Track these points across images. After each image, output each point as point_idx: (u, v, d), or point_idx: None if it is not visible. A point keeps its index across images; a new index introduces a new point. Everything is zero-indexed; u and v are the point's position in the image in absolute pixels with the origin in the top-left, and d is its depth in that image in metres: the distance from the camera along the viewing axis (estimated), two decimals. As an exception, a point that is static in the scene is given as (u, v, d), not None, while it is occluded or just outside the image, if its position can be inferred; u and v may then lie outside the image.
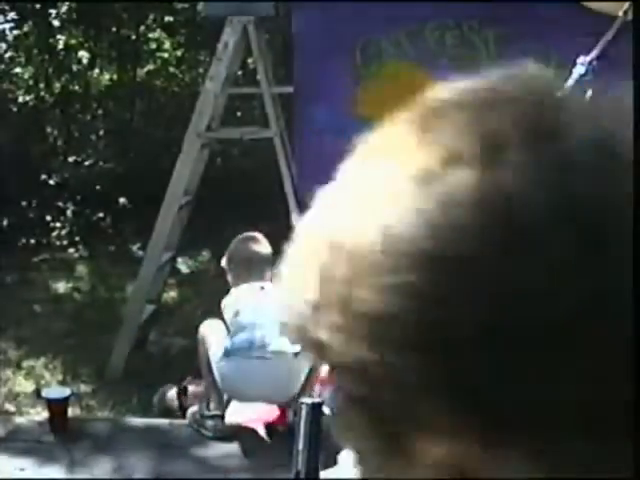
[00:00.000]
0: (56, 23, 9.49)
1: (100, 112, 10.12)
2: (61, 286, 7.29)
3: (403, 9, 5.05)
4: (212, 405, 4.13)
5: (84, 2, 9.37)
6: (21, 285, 7.25)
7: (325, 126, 5.28)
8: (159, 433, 4.15)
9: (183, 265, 7.91)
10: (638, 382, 0.53)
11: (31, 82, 9.88)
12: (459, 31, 5.12)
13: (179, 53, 10.28)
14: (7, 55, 9.87)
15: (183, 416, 4.38)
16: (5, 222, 8.56)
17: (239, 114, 9.46)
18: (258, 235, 4.62)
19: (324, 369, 2.64)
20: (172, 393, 4.56)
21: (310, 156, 5.32)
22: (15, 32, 9.57)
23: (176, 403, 4.50)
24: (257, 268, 4.31)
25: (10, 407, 4.81)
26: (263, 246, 4.50)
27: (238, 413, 4.33)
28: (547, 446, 0.53)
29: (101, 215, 8.83)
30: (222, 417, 4.14)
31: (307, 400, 3.60)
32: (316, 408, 3.59)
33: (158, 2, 9.53)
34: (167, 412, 4.48)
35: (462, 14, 5.09)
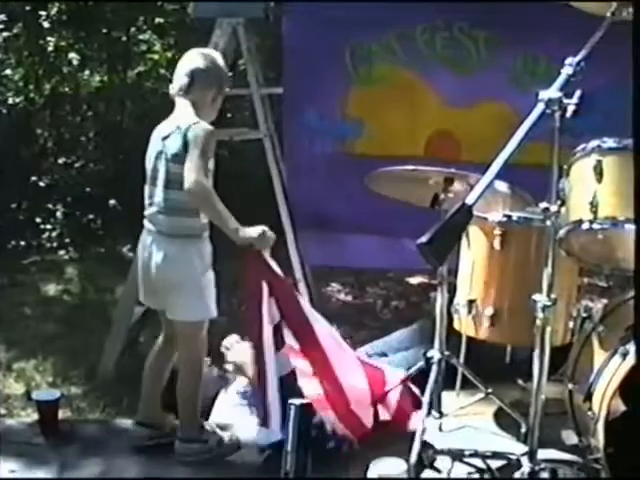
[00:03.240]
0: (46, 25, 9.44)
1: (90, 114, 10.09)
2: (51, 288, 7.27)
3: (393, 11, 5.05)
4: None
5: (74, 3, 9.36)
6: (11, 287, 7.23)
7: (315, 128, 5.29)
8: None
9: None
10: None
11: (21, 84, 9.84)
12: (449, 33, 5.13)
13: (169, 54, 10.24)
14: (-3, 57, 9.85)
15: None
16: (-6, 224, 8.53)
17: (229, 115, 9.45)
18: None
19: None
20: None
21: (299, 158, 5.33)
22: (5, 34, 9.52)
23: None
24: None
25: (0, 409, 4.79)
26: None
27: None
28: None
29: (91, 217, 8.81)
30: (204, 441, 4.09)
31: (296, 401, 3.60)
32: (304, 409, 3.59)
33: (148, 4, 9.51)
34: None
35: (452, 16, 5.09)
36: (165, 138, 3.87)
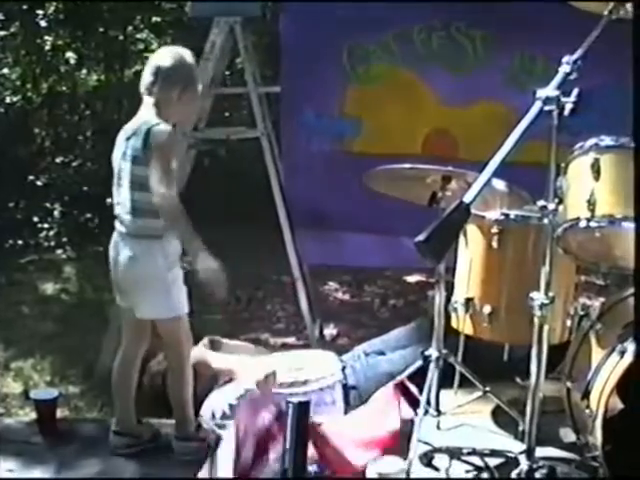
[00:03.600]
0: (43, 24, 9.45)
1: (87, 113, 10.10)
2: (49, 287, 7.28)
3: (390, 10, 5.06)
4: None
5: (71, 3, 9.36)
6: (9, 286, 7.24)
7: (312, 126, 5.29)
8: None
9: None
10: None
11: (18, 83, 9.86)
12: (446, 32, 5.13)
13: (167, 53, 10.27)
14: (-6, 56, 9.85)
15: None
16: (-8, 223, 8.54)
17: (227, 114, 9.45)
18: None
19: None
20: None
21: (297, 156, 5.33)
22: (2, 33, 9.54)
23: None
24: None
25: (-2, 409, 4.81)
26: None
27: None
28: None
29: (89, 216, 8.82)
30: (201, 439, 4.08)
31: (294, 400, 3.59)
32: (303, 407, 3.58)
33: (145, 2, 9.51)
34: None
35: (449, 15, 5.09)
36: (128, 139, 3.88)
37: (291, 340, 6.18)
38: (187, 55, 4.00)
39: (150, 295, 3.90)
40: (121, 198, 3.90)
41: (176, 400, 4.06)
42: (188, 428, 4.05)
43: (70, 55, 9.72)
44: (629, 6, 3.16)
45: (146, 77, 3.93)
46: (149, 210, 3.81)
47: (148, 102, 3.92)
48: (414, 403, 3.86)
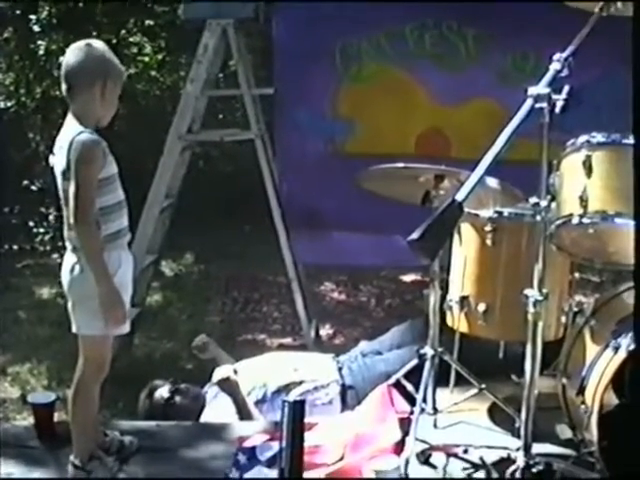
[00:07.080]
0: (36, 28, 9.46)
1: (81, 117, 10.09)
2: (45, 291, 7.28)
3: (382, 10, 5.07)
4: None
5: (64, 7, 9.36)
6: (5, 291, 7.24)
7: (305, 127, 5.30)
8: (146, 436, 4.13)
9: (167, 268, 7.91)
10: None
11: (12, 88, 9.85)
12: (438, 31, 5.15)
13: (160, 57, 10.26)
14: (-13, 61, 9.86)
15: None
16: (-12, 228, 8.54)
17: (221, 116, 9.46)
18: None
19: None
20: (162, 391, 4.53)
21: (291, 157, 5.34)
22: (-5, 38, 9.55)
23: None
24: None
25: (-4, 413, 4.81)
26: None
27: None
28: None
29: (84, 220, 8.81)
30: None
31: (289, 398, 3.58)
32: (298, 406, 3.58)
33: (138, 6, 9.52)
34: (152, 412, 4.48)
35: (441, 14, 5.10)
36: (57, 153, 3.57)
37: (287, 341, 6.19)
38: (96, 45, 3.58)
39: (78, 311, 3.60)
40: (64, 213, 3.60)
41: (79, 425, 3.75)
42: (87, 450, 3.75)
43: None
44: (620, 4, 3.18)
45: (62, 83, 3.53)
46: None
47: (71, 109, 3.55)
48: (410, 402, 3.87)
